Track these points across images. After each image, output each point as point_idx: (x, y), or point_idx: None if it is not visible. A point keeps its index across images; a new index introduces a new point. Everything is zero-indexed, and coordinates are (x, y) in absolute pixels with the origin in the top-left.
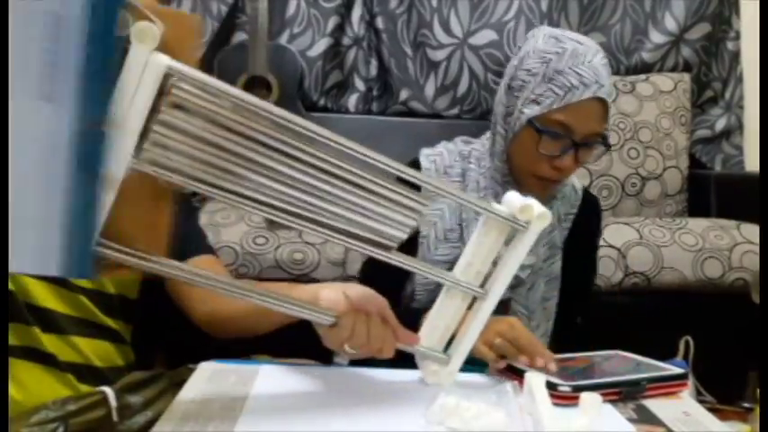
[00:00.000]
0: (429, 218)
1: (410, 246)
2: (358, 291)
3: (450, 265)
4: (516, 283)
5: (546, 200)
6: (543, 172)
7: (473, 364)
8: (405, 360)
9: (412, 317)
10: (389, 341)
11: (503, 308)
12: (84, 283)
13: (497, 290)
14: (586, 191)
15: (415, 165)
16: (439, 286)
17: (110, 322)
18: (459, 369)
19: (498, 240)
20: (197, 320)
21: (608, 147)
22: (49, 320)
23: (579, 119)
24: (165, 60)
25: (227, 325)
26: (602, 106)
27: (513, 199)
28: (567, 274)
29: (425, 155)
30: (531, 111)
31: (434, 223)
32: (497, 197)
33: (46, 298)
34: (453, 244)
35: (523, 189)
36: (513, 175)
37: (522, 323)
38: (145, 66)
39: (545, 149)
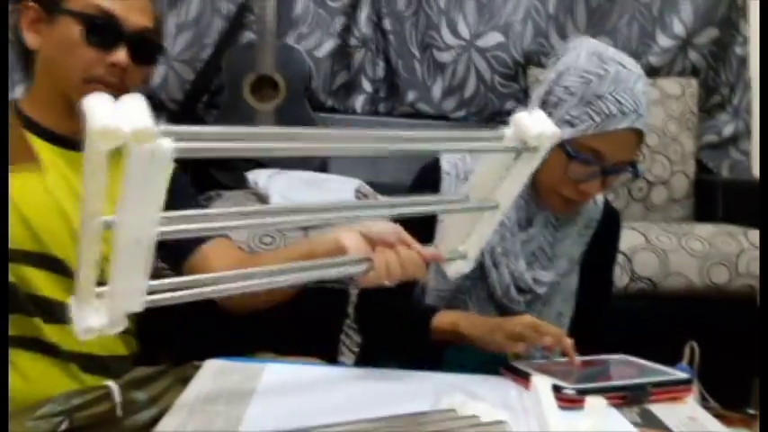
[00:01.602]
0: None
1: (428, 232)
2: (374, 227)
3: (466, 281)
4: (533, 299)
5: (567, 215)
6: (567, 193)
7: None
8: (409, 362)
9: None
10: (419, 264)
11: None
12: None
13: (507, 201)
14: (607, 203)
15: (435, 165)
16: (451, 298)
17: None
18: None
19: (507, 159)
20: (219, 303)
21: (637, 175)
22: (50, 311)
23: (613, 147)
24: (168, 145)
25: (248, 297)
26: (637, 136)
27: (525, 123)
28: (585, 289)
29: (447, 158)
30: (563, 132)
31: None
32: (519, 210)
33: (47, 288)
34: None
35: (544, 202)
36: (535, 185)
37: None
38: (151, 159)
39: (573, 173)
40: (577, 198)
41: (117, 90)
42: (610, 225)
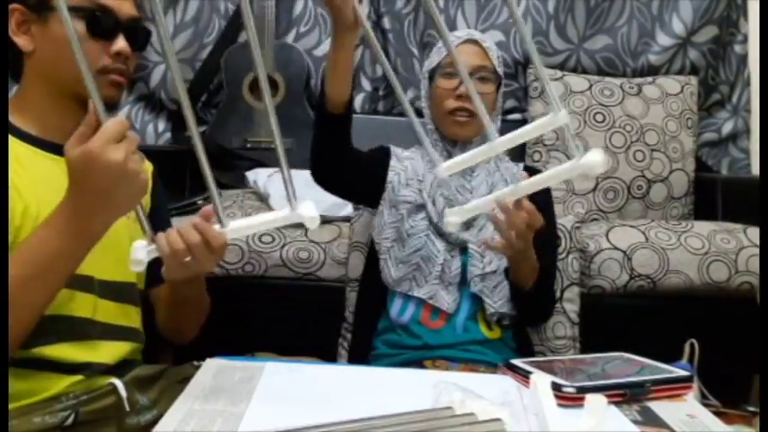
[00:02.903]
0: (396, 168)
1: (378, 188)
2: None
3: (411, 205)
4: (468, 226)
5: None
6: (450, 105)
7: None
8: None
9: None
10: (198, 240)
11: (463, 249)
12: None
13: None
14: (527, 166)
15: (387, 147)
16: (400, 227)
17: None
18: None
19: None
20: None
21: (497, 76)
22: (71, 329)
23: (463, 57)
24: None
25: (170, 325)
26: (477, 46)
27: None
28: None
29: (393, 147)
30: (432, 62)
31: (399, 173)
32: (439, 150)
33: (69, 306)
34: (413, 189)
35: (446, 132)
36: (435, 124)
37: (476, 258)
38: None
39: (445, 86)
40: (459, 104)
41: (124, 77)
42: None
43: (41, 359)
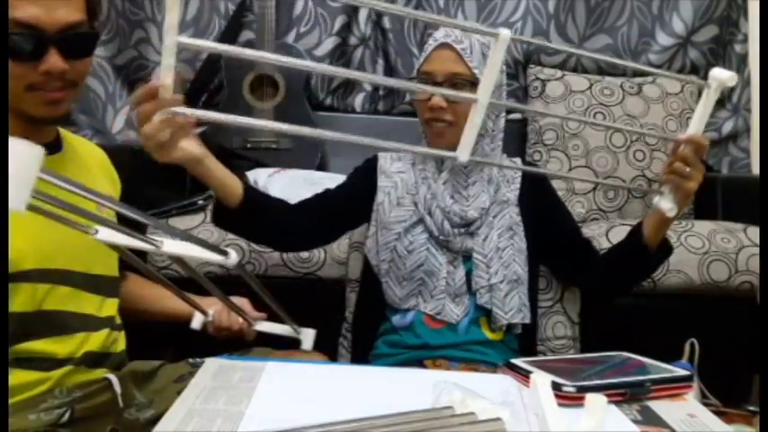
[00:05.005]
0: (385, 188)
1: (368, 209)
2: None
3: (407, 222)
4: (466, 232)
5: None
6: (426, 115)
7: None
8: (410, 361)
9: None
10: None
11: (465, 256)
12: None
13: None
14: (524, 162)
15: (374, 159)
16: (395, 246)
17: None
18: None
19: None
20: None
21: (473, 84)
22: (55, 323)
23: (435, 64)
24: None
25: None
26: (452, 51)
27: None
28: (556, 221)
29: (382, 155)
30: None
31: (388, 192)
32: (431, 158)
33: (52, 301)
34: (405, 208)
35: (431, 142)
36: (425, 133)
37: (481, 269)
38: None
39: (417, 95)
40: (432, 115)
41: (60, 91)
42: (533, 175)
43: (27, 357)
